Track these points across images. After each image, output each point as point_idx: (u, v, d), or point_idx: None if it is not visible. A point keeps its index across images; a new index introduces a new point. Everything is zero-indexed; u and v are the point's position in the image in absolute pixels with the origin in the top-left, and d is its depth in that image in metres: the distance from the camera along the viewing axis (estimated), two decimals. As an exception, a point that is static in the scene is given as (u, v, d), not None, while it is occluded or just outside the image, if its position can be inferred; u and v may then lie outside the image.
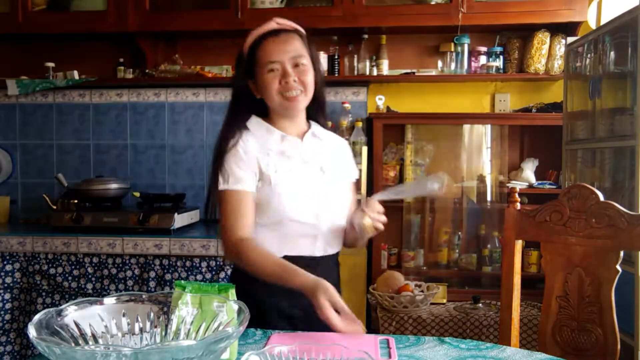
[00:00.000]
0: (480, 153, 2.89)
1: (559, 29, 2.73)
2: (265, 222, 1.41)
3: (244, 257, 1.35)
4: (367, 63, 2.88)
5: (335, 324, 1.15)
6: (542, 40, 2.73)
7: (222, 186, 1.40)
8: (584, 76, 2.43)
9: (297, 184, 1.42)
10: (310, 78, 1.43)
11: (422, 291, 2.52)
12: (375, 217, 1.38)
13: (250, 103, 1.48)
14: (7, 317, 2.45)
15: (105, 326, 0.87)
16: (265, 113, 1.49)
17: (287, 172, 1.42)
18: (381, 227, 1.40)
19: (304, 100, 1.44)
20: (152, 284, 2.39)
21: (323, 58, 2.83)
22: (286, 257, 1.36)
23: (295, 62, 1.41)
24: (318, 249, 1.45)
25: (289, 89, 1.40)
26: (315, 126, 1.53)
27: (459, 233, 2.89)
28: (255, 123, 1.47)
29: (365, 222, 1.38)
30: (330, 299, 1.16)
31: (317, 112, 1.54)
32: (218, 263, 2.37)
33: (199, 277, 2.37)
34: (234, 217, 1.39)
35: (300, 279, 1.24)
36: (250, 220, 1.40)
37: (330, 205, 1.46)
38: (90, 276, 2.42)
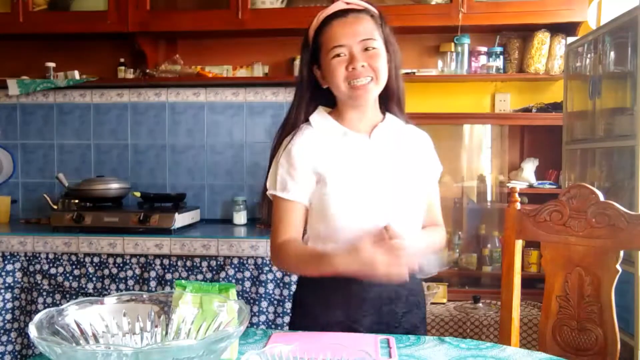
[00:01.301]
0: (480, 153, 2.89)
1: (559, 29, 2.72)
2: (322, 233, 1.29)
3: (284, 258, 1.27)
4: (368, 63, 2.88)
5: (377, 262, 1.07)
6: (542, 40, 2.73)
7: (270, 190, 1.31)
8: (584, 76, 2.43)
9: (359, 191, 1.27)
10: (382, 63, 1.28)
11: (422, 291, 2.52)
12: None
13: (316, 93, 1.34)
14: (8, 316, 2.45)
15: (106, 326, 0.87)
16: (334, 104, 1.36)
17: (347, 178, 1.27)
18: (404, 273, 1.11)
19: (375, 89, 1.30)
20: (152, 283, 2.39)
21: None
22: None
23: (365, 46, 1.27)
24: None
25: (357, 75, 1.26)
26: (390, 118, 1.37)
27: (459, 233, 2.89)
28: (318, 116, 1.34)
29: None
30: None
31: (390, 101, 1.37)
32: (219, 263, 2.37)
33: (200, 276, 2.37)
34: (279, 223, 1.29)
35: (337, 255, 1.14)
36: (296, 227, 1.30)
37: (401, 210, 1.29)
38: (91, 276, 2.42)
